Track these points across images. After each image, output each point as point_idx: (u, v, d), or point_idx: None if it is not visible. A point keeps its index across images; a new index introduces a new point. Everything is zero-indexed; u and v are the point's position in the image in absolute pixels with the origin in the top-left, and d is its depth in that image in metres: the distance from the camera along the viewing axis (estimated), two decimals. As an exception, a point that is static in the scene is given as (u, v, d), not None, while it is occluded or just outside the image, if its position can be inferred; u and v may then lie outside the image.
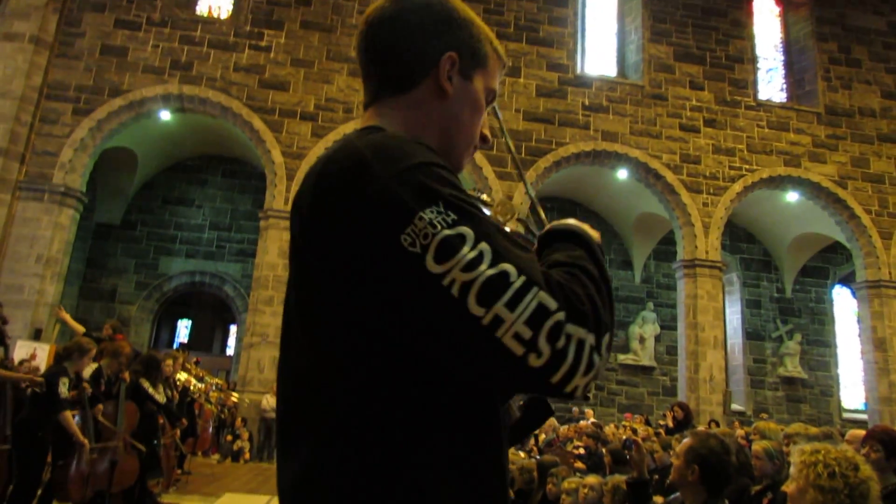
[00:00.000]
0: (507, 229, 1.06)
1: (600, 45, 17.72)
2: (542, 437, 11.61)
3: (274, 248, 13.68)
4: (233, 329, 21.33)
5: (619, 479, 4.45)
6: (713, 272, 15.48)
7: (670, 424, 9.13)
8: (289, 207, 1.06)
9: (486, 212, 0.97)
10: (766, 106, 16.87)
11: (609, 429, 11.34)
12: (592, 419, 13.21)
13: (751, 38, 17.52)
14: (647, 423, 13.06)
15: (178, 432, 8.72)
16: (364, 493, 0.91)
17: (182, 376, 10.50)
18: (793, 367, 18.77)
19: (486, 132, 1.21)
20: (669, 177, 15.68)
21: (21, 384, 6.86)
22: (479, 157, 14.80)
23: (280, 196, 14.13)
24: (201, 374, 12.51)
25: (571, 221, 1.06)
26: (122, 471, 6.53)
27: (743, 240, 19.57)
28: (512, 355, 0.83)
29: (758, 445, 4.33)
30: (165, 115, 14.95)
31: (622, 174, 16.16)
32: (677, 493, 3.17)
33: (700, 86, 16.58)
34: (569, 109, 15.80)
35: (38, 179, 13.54)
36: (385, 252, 0.87)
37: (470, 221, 0.88)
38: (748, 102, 16.70)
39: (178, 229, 17.49)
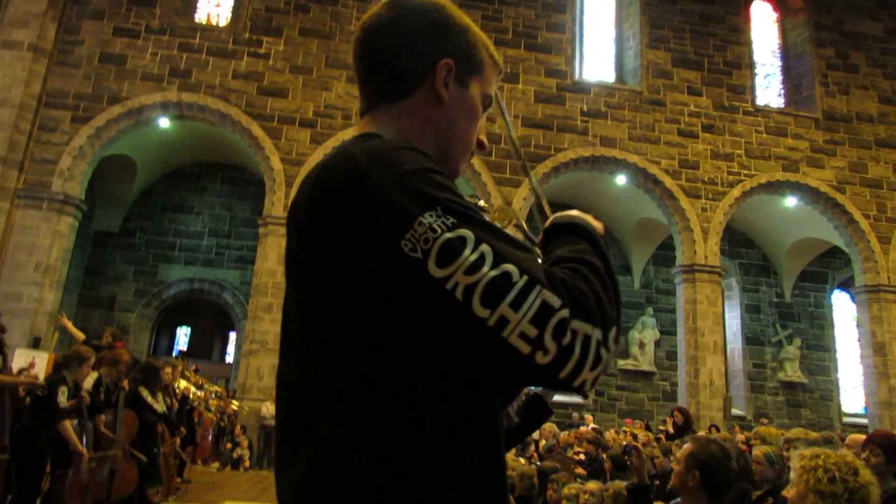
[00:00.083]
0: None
1: (598, 51, 17.77)
2: (543, 443, 11.59)
3: (273, 255, 13.67)
4: (232, 336, 21.32)
5: (620, 484, 4.44)
6: (712, 277, 15.48)
7: (670, 430, 9.13)
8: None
9: (485, 217, 0.98)
10: (764, 111, 16.90)
11: (609, 434, 11.32)
12: (593, 425, 13.19)
13: (748, 43, 17.56)
14: (648, 428, 13.04)
15: (179, 440, 8.70)
16: (364, 500, 0.91)
17: (181, 384, 10.48)
18: (793, 372, 18.75)
19: (483, 138, 1.21)
20: (668, 182, 15.70)
21: (21, 391, 6.84)
22: (477, 162, 14.82)
23: (279, 203, 14.13)
24: (201, 382, 12.47)
25: (574, 213, 1.07)
26: (122, 480, 6.52)
27: (742, 245, 19.58)
28: (519, 354, 0.84)
29: (758, 450, 4.33)
30: (164, 123, 14.96)
31: (621, 180, 16.18)
32: (678, 499, 3.17)
33: (698, 91, 16.61)
34: (567, 115, 15.83)
35: (37, 187, 13.54)
36: (386, 259, 0.88)
37: (469, 224, 0.89)
38: (746, 108, 16.73)
39: (177, 236, 17.48)
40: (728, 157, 16.24)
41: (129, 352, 8.48)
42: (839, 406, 19.10)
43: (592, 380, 0.87)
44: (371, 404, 0.94)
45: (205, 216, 17.67)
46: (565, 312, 0.85)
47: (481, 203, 1.18)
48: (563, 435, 11.12)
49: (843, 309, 20.15)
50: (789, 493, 2.33)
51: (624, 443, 8.61)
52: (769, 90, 18.20)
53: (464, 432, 0.98)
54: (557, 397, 16.92)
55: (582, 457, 8.69)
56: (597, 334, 0.86)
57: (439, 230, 0.86)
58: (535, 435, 11.89)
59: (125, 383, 7.10)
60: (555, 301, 0.85)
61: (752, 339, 19.10)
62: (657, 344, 18.48)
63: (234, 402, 13.29)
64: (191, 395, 11.03)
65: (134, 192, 17.14)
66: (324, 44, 15.25)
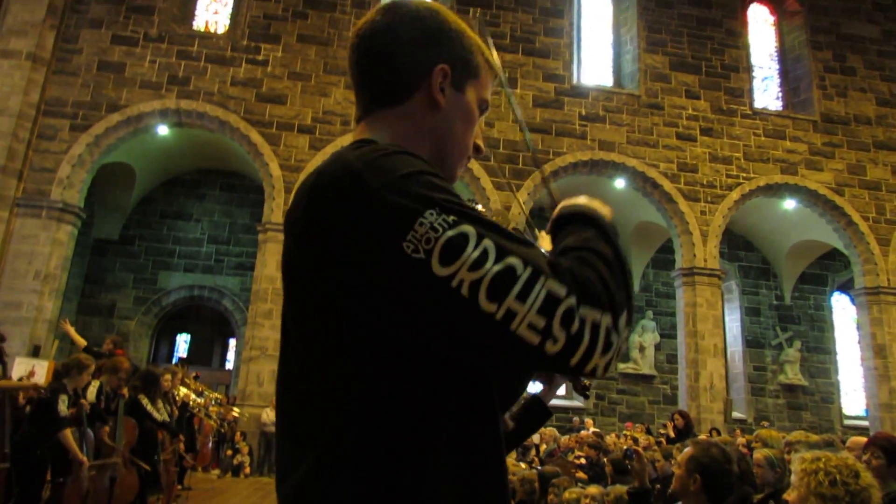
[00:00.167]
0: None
1: (596, 55, 17.79)
2: (544, 447, 11.59)
3: (272, 262, 13.67)
4: (232, 343, 21.30)
5: (621, 489, 4.44)
6: (712, 280, 15.48)
7: (671, 434, 9.12)
8: (287, 221, 1.06)
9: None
10: (762, 114, 16.93)
11: (610, 438, 11.32)
12: (593, 429, 13.18)
13: (746, 47, 17.60)
14: (648, 432, 13.05)
15: (183, 445, 8.68)
16: (367, 503, 0.92)
17: (181, 391, 10.46)
18: (793, 375, 18.74)
19: (480, 142, 1.21)
20: (667, 185, 15.72)
21: (22, 399, 6.84)
22: (476, 167, 14.84)
23: (278, 209, 14.14)
24: (201, 389, 12.45)
25: (581, 201, 1.07)
26: (122, 487, 6.50)
27: (741, 247, 19.59)
28: (529, 345, 0.84)
29: (759, 453, 4.33)
30: (163, 130, 14.97)
31: (620, 183, 16.19)
32: (679, 503, 3.16)
33: (696, 95, 16.64)
34: (566, 119, 15.85)
35: (36, 196, 13.55)
36: (388, 262, 0.88)
37: (470, 221, 0.89)
38: (744, 111, 16.75)
39: (177, 244, 17.48)
40: (727, 160, 16.26)
41: (129, 359, 8.46)
42: (840, 408, 19.09)
43: (604, 365, 0.87)
44: (372, 407, 0.94)
45: (204, 223, 17.66)
46: (572, 300, 0.85)
47: (479, 207, 1.18)
48: (564, 439, 11.12)
49: (843, 311, 20.16)
50: (790, 496, 2.33)
51: (625, 447, 8.60)
52: (767, 93, 18.23)
53: (465, 434, 0.98)
54: (558, 401, 16.90)
55: (583, 461, 8.68)
56: (606, 320, 0.86)
57: (441, 229, 0.87)
58: (536, 439, 11.89)
59: (125, 391, 7.09)
60: (560, 290, 0.85)
61: (752, 342, 19.10)
62: (657, 347, 18.47)
63: (235, 408, 13.27)
64: (191, 402, 11.01)
65: (133, 199, 17.15)
66: (322, 50, 15.27)
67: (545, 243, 1.12)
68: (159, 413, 7.38)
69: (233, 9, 16.14)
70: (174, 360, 20.17)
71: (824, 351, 19.38)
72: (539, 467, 7.46)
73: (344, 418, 0.94)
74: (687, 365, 15.05)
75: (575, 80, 16.53)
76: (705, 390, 14.65)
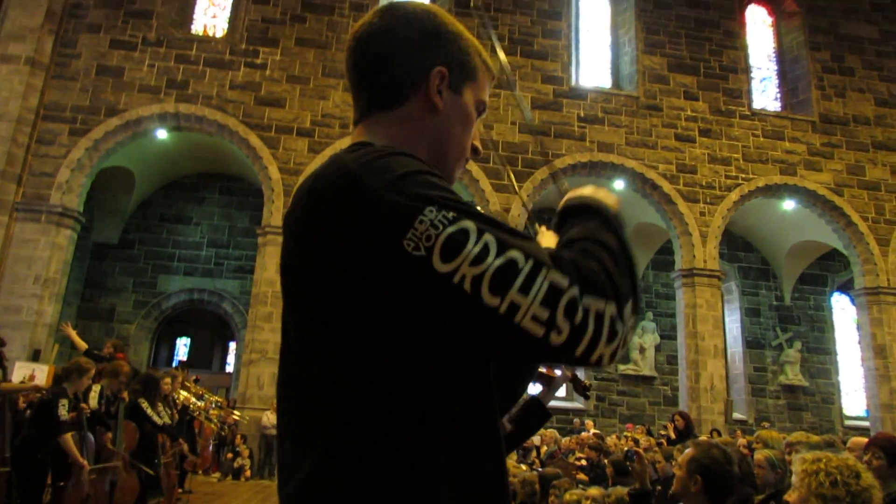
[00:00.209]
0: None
1: (595, 57, 17.80)
2: (544, 449, 11.58)
3: (272, 265, 13.67)
4: (232, 346, 21.27)
5: (622, 490, 4.44)
6: (712, 281, 15.49)
7: (672, 435, 9.11)
8: (286, 224, 1.06)
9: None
10: (761, 115, 16.94)
11: (611, 440, 11.31)
12: (594, 430, 13.17)
13: (744, 48, 17.61)
14: (649, 433, 13.04)
15: (186, 446, 8.68)
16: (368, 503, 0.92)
17: (182, 395, 10.45)
18: (793, 375, 18.74)
19: (478, 143, 1.21)
20: (666, 187, 15.72)
21: (22, 403, 6.84)
22: (475, 170, 14.84)
23: (277, 212, 14.15)
24: (201, 392, 12.44)
25: (586, 192, 1.07)
26: (123, 491, 6.51)
27: (741, 248, 19.59)
28: (534, 337, 0.84)
29: (760, 454, 4.32)
30: (162, 134, 14.98)
31: (619, 185, 16.19)
32: (680, 504, 3.16)
33: (694, 96, 16.65)
34: (564, 121, 15.86)
35: (36, 200, 13.55)
36: (389, 261, 0.88)
37: (469, 216, 0.89)
38: (743, 112, 16.76)
39: (176, 247, 17.48)
40: (725, 160, 16.27)
41: (129, 363, 8.46)
42: (840, 409, 19.09)
43: (610, 354, 0.87)
44: (372, 408, 0.94)
45: (203, 226, 17.67)
46: (575, 291, 0.85)
47: (479, 209, 1.18)
48: (565, 441, 11.11)
49: (842, 311, 20.16)
50: (791, 496, 2.33)
51: (625, 448, 8.60)
52: (765, 94, 18.25)
53: (465, 435, 0.99)
54: (559, 403, 16.90)
55: (584, 462, 8.68)
56: (610, 309, 0.86)
57: (441, 226, 0.87)
58: (537, 441, 11.88)
59: (125, 395, 7.09)
60: (563, 281, 0.85)
61: (752, 343, 19.09)
62: (657, 348, 18.47)
63: (235, 411, 13.26)
64: (191, 406, 11.00)
65: (132, 203, 17.15)
66: (320, 53, 15.29)
67: (545, 239, 1.12)
68: (159, 417, 7.38)
69: (231, 13, 16.15)
70: (174, 364, 20.15)
71: (824, 351, 19.38)
72: (540, 469, 7.46)
73: (345, 419, 0.94)
74: (687, 366, 15.05)
75: (573, 82, 16.54)
76: (706, 391, 14.65)
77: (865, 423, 17.08)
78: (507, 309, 0.84)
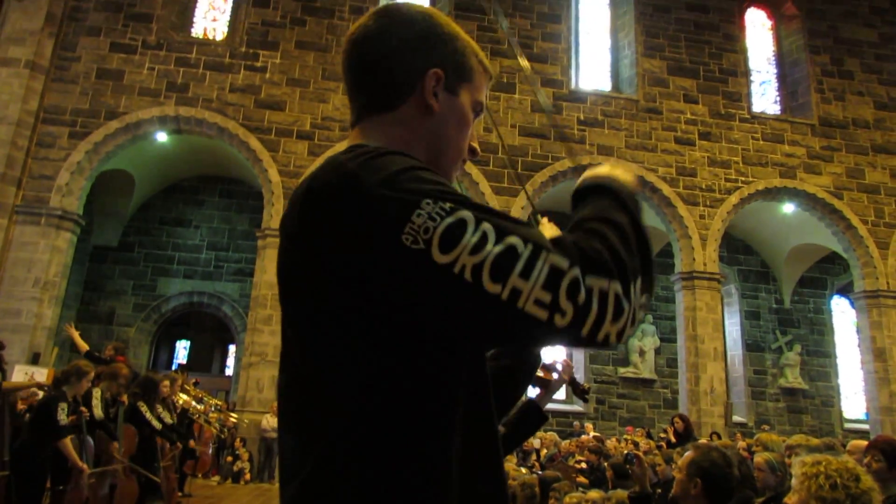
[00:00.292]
0: None
1: (594, 60, 17.82)
2: (544, 451, 11.58)
3: (272, 268, 13.65)
4: (231, 349, 21.25)
5: (622, 493, 4.43)
6: (711, 284, 15.49)
7: (672, 439, 9.10)
8: (286, 227, 1.06)
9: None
10: (761, 118, 16.96)
11: (611, 443, 11.30)
12: (594, 433, 13.17)
13: (743, 51, 17.64)
14: (649, 436, 13.02)
15: (191, 442, 8.66)
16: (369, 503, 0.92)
17: (181, 398, 10.45)
18: (793, 378, 18.73)
19: (475, 144, 1.21)
20: (666, 190, 15.73)
21: (21, 405, 6.83)
22: (475, 172, 14.85)
23: (277, 215, 14.14)
24: (200, 395, 12.43)
25: (601, 171, 1.07)
26: (122, 494, 6.50)
27: (740, 251, 19.59)
28: (538, 321, 0.84)
29: (760, 457, 4.32)
30: (162, 137, 14.99)
31: (618, 188, 16.16)
32: (680, 507, 3.15)
33: (694, 99, 16.67)
34: (564, 124, 15.86)
35: (35, 203, 13.54)
36: (388, 256, 0.88)
37: (466, 206, 0.89)
38: (742, 115, 16.78)
39: (176, 250, 17.48)
40: (725, 164, 16.28)
41: (130, 366, 8.45)
42: (840, 412, 19.08)
43: (617, 332, 0.87)
44: (373, 408, 0.94)
45: (203, 229, 17.67)
46: (576, 271, 0.85)
47: None
48: (565, 444, 11.10)
49: (842, 314, 20.15)
50: (791, 499, 2.33)
51: (625, 451, 8.59)
52: (765, 97, 18.27)
53: (464, 435, 0.99)
54: (559, 406, 16.89)
55: (583, 465, 8.68)
56: (615, 287, 0.86)
57: (438, 218, 0.87)
58: (537, 444, 11.87)
59: (125, 398, 7.09)
60: (563, 263, 0.85)
61: (752, 346, 19.09)
62: (657, 351, 18.46)
63: (233, 414, 13.25)
64: (191, 409, 11.00)
65: (132, 206, 17.15)
66: (320, 56, 15.30)
67: (547, 230, 1.12)
68: (158, 420, 7.38)
69: (231, 16, 16.17)
70: (174, 367, 20.13)
71: (824, 354, 19.37)
72: (540, 472, 7.45)
73: (345, 420, 0.94)
74: (687, 369, 15.05)
75: (573, 85, 16.56)
76: (706, 394, 14.64)
77: (865, 426, 17.07)
78: (510, 295, 0.84)
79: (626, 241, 0.91)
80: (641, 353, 18.32)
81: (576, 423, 15.99)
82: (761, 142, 16.62)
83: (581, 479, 7.44)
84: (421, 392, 0.96)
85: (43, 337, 13.01)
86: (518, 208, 14.76)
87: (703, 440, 8.84)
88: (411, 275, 0.87)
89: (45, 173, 13.76)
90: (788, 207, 17.05)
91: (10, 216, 13.35)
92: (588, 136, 15.85)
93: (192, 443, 9.36)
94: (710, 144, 16.35)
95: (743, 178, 16.24)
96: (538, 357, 1.68)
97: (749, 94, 17.27)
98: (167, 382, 8.25)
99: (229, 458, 13.27)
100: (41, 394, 8.06)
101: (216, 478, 13.10)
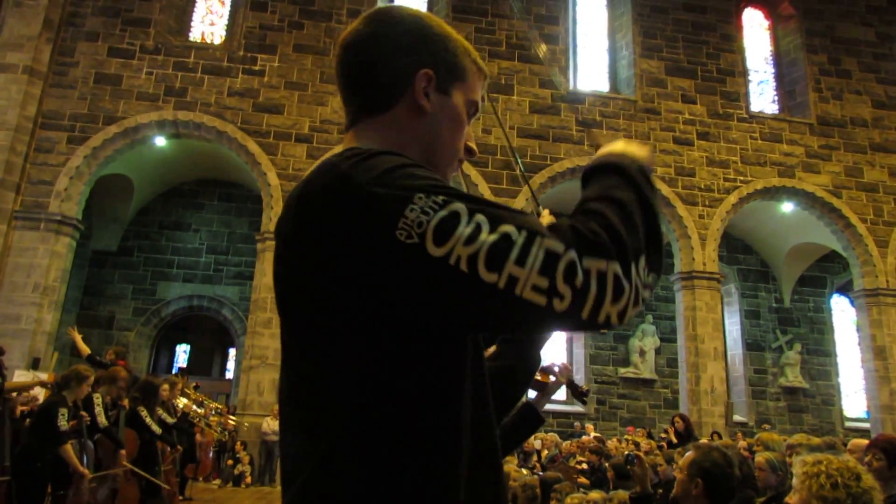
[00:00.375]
0: None
1: (592, 61, 17.83)
2: (545, 453, 11.58)
3: (271, 271, 13.61)
4: (232, 352, 21.25)
5: (623, 494, 4.43)
6: (711, 284, 15.49)
7: (673, 439, 9.10)
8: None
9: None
10: (759, 118, 16.97)
11: (611, 443, 11.30)
12: (595, 434, 13.17)
13: (741, 51, 17.66)
14: (650, 436, 13.02)
15: (199, 436, 8.63)
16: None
17: (181, 402, 10.45)
18: (794, 377, 18.73)
19: (472, 144, 1.21)
20: (665, 190, 15.73)
21: (21, 406, 6.83)
22: (474, 174, 14.86)
23: (276, 218, 14.11)
24: (201, 399, 12.43)
25: (615, 148, 1.06)
26: (123, 499, 6.49)
27: (740, 251, 19.59)
28: (537, 307, 0.84)
29: (760, 457, 4.32)
30: (160, 141, 14.99)
31: (617, 188, 16.17)
32: (681, 507, 3.15)
33: (692, 99, 16.68)
34: (563, 125, 15.88)
35: (34, 208, 13.54)
36: (383, 253, 0.88)
37: (459, 198, 0.89)
38: (740, 115, 16.80)
39: (175, 254, 17.47)
40: (724, 163, 16.29)
41: (130, 370, 8.44)
42: (841, 411, 19.07)
43: (618, 313, 0.86)
44: (373, 409, 0.94)
45: (202, 233, 17.67)
46: (572, 254, 0.84)
47: None
48: (566, 444, 11.11)
49: (842, 313, 20.16)
50: (792, 499, 2.33)
51: (626, 451, 8.60)
52: (763, 97, 18.29)
53: (463, 435, 0.99)
54: (560, 406, 16.89)
55: (584, 466, 8.68)
56: (613, 268, 0.85)
57: (431, 211, 0.87)
58: (538, 445, 11.88)
59: (126, 402, 7.09)
60: (558, 247, 0.84)
61: (752, 345, 19.09)
62: (658, 351, 18.45)
63: (232, 418, 13.24)
64: (191, 413, 11.00)
65: (131, 210, 17.15)
66: (318, 59, 15.31)
67: (548, 221, 1.12)
68: (157, 425, 7.37)
69: (229, 20, 16.19)
70: (174, 371, 20.12)
71: (824, 353, 19.37)
72: (541, 473, 7.45)
73: (346, 420, 0.94)
74: (687, 369, 15.04)
75: (571, 86, 16.58)
76: (706, 394, 14.64)
77: (866, 425, 17.07)
78: (507, 283, 0.83)
79: (628, 220, 0.91)
80: (642, 353, 18.32)
81: (576, 423, 16.00)
82: (760, 141, 16.63)
83: (582, 479, 7.44)
84: (423, 390, 0.96)
85: (43, 342, 13.01)
86: (521, 202, 14.75)
87: (703, 440, 8.84)
88: (408, 270, 0.87)
89: (43, 178, 13.76)
90: (787, 206, 17.06)
91: (10, 221, 13.35)
92: (587, 137, 15.84)
93: (198, 437, 9.33)
94: (708, 144, 16.36)
95: (742, 178, 16.25)
96: (539, 358, 1.67)
97: (747, 94, 17.29)
98: (167, 386, 8.25)
99: (230, 462, 13.26)
100: (42, 397, 8.08)
101: (217, 481, 13.08)
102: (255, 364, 13.40)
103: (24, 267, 13.17)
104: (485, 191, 14.92)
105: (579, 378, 17.56)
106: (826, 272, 19.83)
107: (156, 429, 7.28)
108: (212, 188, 17.88)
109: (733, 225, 17.35)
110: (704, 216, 15.81)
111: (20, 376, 10.39)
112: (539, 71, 16.18)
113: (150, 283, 17.21)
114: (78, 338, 9.53)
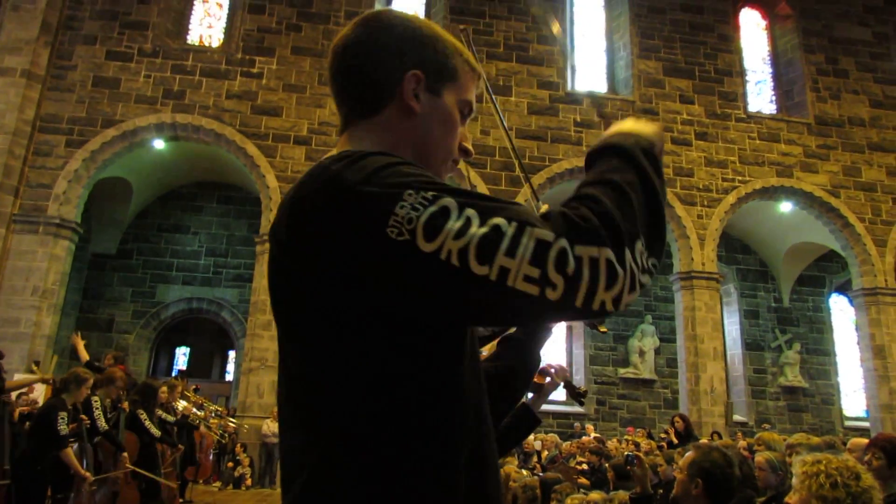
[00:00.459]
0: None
1: (590, 62, 17.85)
2: (545, 453, 11.58)
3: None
4: (231, 355, 21.24)
5: (623, 494, 4.44)
6: (710, 284, 15.50)
7: (673, 439, 9.11)
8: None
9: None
10: (757, 118, 16.99)
11: (611, 443, 11.30)
12: (595, 434, 13.17)
13: (738, 51, 17.67)
14: (650, 436, 13.02)
15: (203, 435, 8.62)
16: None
17: (181, 404, 10.44)
18: (793, 377, 18.73)
19: (468, 145, 1.21)
20: (663, 190, 15.71)
21: (17, 414, 6.82)
22: (472, 176, 14.86)
23: (275, 221, 14.12)
24: (200, 402, 12.42)
25: (622, 128, 1.05)
26: (123, 501, 6.49)
27: (739, 251, 19.60)
28: (530, 297, 0.83)
29: (760, 457, 4.33)
30: (159, 144, 14.98)
31: (616, 189, 16.17)
32: (681, 508, 3.16)
33: (690, 99, 16.69)
34: (561, 126, 15.89)
35: (33, 212, 13.54)
36: (375, 251, 0.88)
37: (449, 193, 0.89)
38: (738, 115, 16.81)
39: (175, 257, 17.46)
40: (722, 163, 16.30)
41: (128, 373, 8.44)
42: (840, 410, 19.08)
43: (612, 299, 0.85)
44: (372, 409, 0.94)
45: (201, 236, 17.65)
46: (563, 242, 0.84)
47: None
48: (566, 445, 11.11)
49: (841, 312, 20.16)
50: (792, 498, 2.34)
51: (626, 452, 8.60)
52: (761, 97, 18.30)
53: (462, 436, 0.99)
54: (559, 407, 16.89)
55: (584, 467, 8.68)
56: (605, 254, 0.84)
57: (421, 207, 0.87)
58: (538, 445, 11.87)
59: (125, 405, 7.08)
60: (548, 235, 0.84)
61: (751, 345, 19.09)
62: (657, 352, 18.46)
63: (231, 419, 13.23)
64: (191, 416, 10.99)
65: (130, 213, 17.14)
66: (316, 62, 15.31)
67: None
68: (157, 427, 7.37)
69: (227, 22, 16.19)
70: (174, 373, 20.11)
71: (824, 352, 19.38)
72: (541, 474, 7.45)
73: (345, 421, 0.95)
74: (687, 369, 15.05)
75: (569, 87, 16.58)
76: (706, 394, 14.64)
77: (865, 424, 17.07)
78: (498, 274, 0.83)
79: (625, 203, 0.90)
80: (641, 353, 18.32)
81: (576, 424, 16.00)
82: (758, 141, 16.64)
83: (582, 480, 7.44)
84: (421, 389, 0.96)
85: (42, 345, 12.99)
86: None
87: (703, 440, 8.85)
88: (400, 267, 0.87)
89: (42, 182, 13.76)
90: (786, 206, 17.07)
91: (8, 225, 13.34)
92: (585, 138, 15.86)
93: (199, 430, 9.32)
94: (706, 144, 16.38)
95: (740, 178, 16.26)
96: (539, 358, 1.67)
97: (745, 94, 17.31)
98: (165, 389, 8.25)
99: (230, 464, 13.25)
100: (42, 399, 8.08)
101: (217, 483, 13.07)
102: (255, 366, 13.39)
103: (23, 270, 13.16)
104: (483, 192, 14.87)
105: (579, 379, 17.57)
106: (825, 272, 19.84)
107: (155, 431, 7.28)
108: (210, 191, 17.88)
109: (732, 225, 17.36)
110: (703, 216, 15.81)
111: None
112: (537, 72, 16.19)
113: (150, 285, 17.20)
114: (80, 344, 9.53)
